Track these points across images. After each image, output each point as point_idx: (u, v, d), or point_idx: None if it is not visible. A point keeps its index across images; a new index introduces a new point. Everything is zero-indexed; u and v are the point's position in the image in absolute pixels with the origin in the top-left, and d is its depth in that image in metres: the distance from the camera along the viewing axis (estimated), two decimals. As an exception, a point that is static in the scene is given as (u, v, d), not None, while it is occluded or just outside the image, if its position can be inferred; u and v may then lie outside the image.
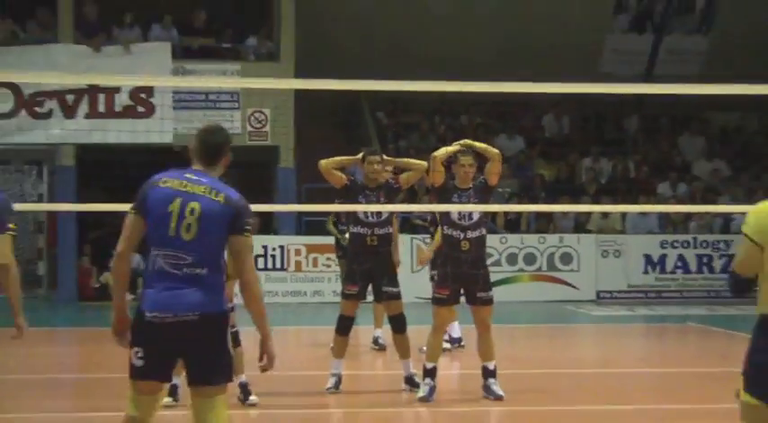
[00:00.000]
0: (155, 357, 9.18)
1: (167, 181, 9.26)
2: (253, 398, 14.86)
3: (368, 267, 16.34)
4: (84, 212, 28.70)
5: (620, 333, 26.40)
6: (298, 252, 29.97)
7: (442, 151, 15.98)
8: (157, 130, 30.92)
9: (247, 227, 9.25)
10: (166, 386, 9.66)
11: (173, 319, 9.06)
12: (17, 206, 22.95)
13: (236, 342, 14.22)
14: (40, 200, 29.71)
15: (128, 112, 31.36)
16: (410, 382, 16.18)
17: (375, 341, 20.91)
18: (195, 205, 9.05)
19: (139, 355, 9.15)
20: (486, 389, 15.91)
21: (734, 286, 8.36)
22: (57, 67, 30.40)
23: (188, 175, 9.22)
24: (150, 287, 9.22)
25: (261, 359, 9.51)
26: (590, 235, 32.57)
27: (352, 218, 16.31)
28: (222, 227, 9.08)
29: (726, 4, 36.30)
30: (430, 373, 15.86)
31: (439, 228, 16.40)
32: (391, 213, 16.77)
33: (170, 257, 9.09)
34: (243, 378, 15.06)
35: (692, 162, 36.41)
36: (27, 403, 15.21)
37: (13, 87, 30.34)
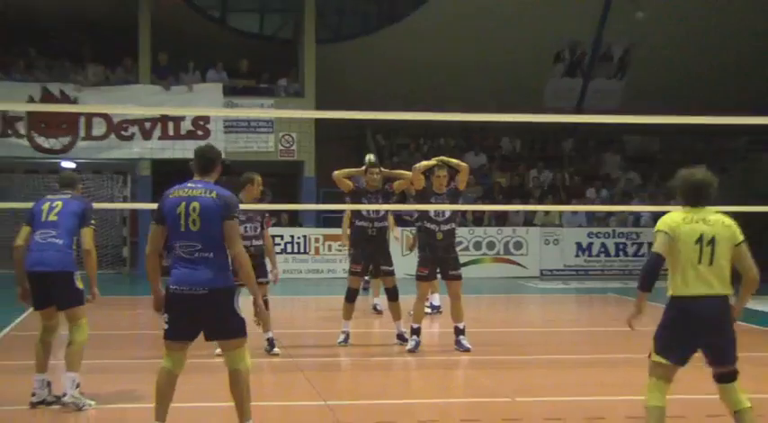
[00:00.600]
0: (178, 322, 9.62)
1: (174, 192, 9.73)
2: (276, 350, 14.98)
3: (369, 251, 16.83)
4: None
5: (558, 301, 26.75)
6: (317, 240, 30.33)
7: (422, 164, 16.46)
8: (212, 149, 31.12)
9: (234, 214, 9.68)
10: (190, 344, 9.82)
11: (188, 292, 9.48)
12: (108, 205, 22.91)
13: (266, 307, 13.95)
14: (124, 200, 29.70)
15: (190, 135, 31.48)
16: (401, 338, 16.68)
17: (374, 307, 21.47)
18: (196, 204, 9.48)
19: (167, 320, 9.64)
20: (458, 343, 16.37)
21: (650, 272, 8.89)
22: (137, 101, 30.56)
23: (189, 184, 9.65)
24: (174, 268, 9.61)
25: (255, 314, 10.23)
26: (536, 228, 32.92)
27: (357, 214, 16.77)
28: (217, 216, 9.48)
29: (635, 57, 36.28)
30: (416, 332, 16.36)
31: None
32: (387, 211, 17.26)
33: (184, 247, 9.55)
34: (270, 334, 15.26)
35: (611, 173, 36.52)
36: (115, 352, 15.41)
37: (106, 117, 30.92)
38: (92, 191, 31.33)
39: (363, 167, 16.88)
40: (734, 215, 18.31)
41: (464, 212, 29.68)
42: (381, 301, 20.43)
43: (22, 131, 30.77)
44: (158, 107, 31.02)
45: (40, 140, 30.92)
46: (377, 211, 16.60)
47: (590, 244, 32.35)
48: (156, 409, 9.64)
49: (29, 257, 11.58)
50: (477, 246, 31.94)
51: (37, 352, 11.62)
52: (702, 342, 8.82)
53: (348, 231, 21.72)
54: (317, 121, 31.44)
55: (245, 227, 15.41)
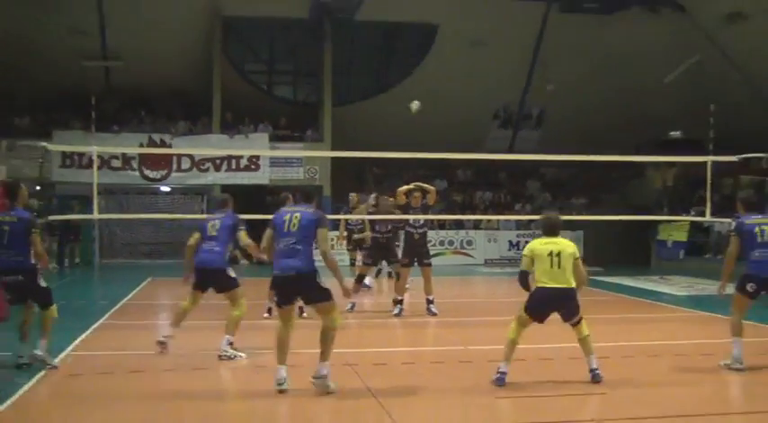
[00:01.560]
0: (282, 295, 10.08)
1: (282, 210, 10.41)
2: (305, 314, 14.05)
3: (381, 254, 17.99)
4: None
5: (496, 282, 26.49)
6: (331, 239, 29.53)
7: (404, 188, 16.89)
8: (262, 178, 31.40)
9: (324, 224, 10.13)
10: (295, 308, 10.42)
11: (283, 275, 9.92)
12: (192, 216, 22.82)
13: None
14: (202, 213, 29.69)
15: (246, 169, 31.66)
16: (396, 302, 16.73)
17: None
18: (297, 215, 10.07)
19: (278, 294, 10.25)
20: (428, 310, 16.67)
21: (522, 280, 10.50)
22: (211, 146, 30.80)
23: (294, 207, 10.47)
24: (277, 259, 10.04)
25: (343, 293, 10.58)
26: (481, 230, 32.76)
27: (406, 223, 16.97)
28: (311, 224, 9.96)
29: (547, 115, 36.49)
30: (399, 302, 16.70)
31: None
32: (394, 226, 17.76)
33: (284, 242, 9.97)
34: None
35: (533, 194, 36.61)
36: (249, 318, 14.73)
37: (191, 156, 31.29)
38: (181, 206, 31.75)
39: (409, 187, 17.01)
40: (616, 222, 18.56)
41: (433, 220, 29.71)
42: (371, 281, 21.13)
43: (135, 166, 31.09)
44: (225, 149, 31.13)
45: (147, 172, 31.25)
46: (420, 221, 16.79)
47: (518, 241, 32.30)
48: (277, 356, 9.91)
49: (198, 257, 12.08)
50: (442, 243, 31.97)
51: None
52: (554, 310, 10.38)
53: (345, 232, 22.40)
54: (333, 158, 31.74)
55: None
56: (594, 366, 10.37)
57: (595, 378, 10.28)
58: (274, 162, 32.00)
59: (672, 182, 34.21)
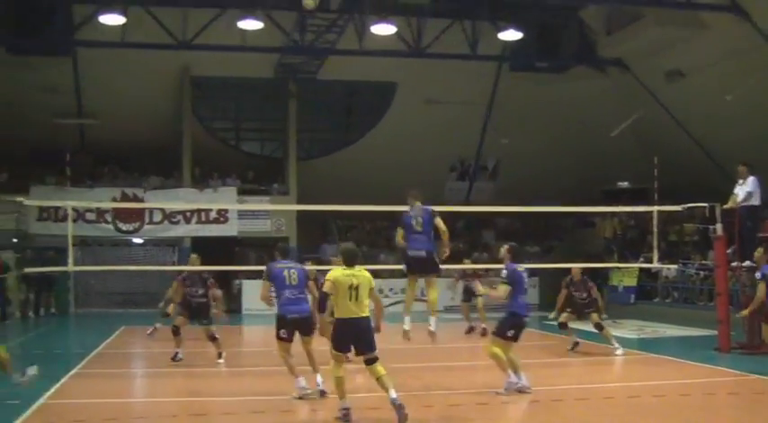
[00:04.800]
0: (292, 332, 12.11)
1: (280, 264, 12.14)
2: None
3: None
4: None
5: (452, 327, 26.03)
6: None
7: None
8: (230, 230, 31.36)
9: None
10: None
11: (299, 317, 12.09)
12: (162, 267, 22.59)
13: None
14: (173, 264, 29.43)
15: (215, 221, 31.70)
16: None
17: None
18: (294, 271, 12.15)
19: (289, 331, 11.97)
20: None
21: (323, 299, 11.27)
22: (181, 199, 30.87)
23: (285, 263, 12.20)
24: (286, 305, 11.96)
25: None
26: (441, 278, 32.37)
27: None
28: (306, 279, 12.47)
29: (502, 167, 36.74)
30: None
31: None
32: None
33: (288, 292, 11.99)
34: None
35: (488, 242, 36.67)
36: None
37: (162, 210, 31.04)
38: (154, 257, 31.57)
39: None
40: (569, 269, 18.69)
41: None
42: None
43: (109, 219, 30.90)
44: (195, 203, 31.21)
45: (120, 225, 31.07)
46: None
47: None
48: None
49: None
50: (403, 290, 31.65)
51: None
52: (354, 340, 10.40)
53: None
54: (298, 210, 31.70)
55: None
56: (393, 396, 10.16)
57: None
58: (242, 214, 31.88)
59: (620, 230, 34.40)
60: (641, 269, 28.86)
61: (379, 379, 10.28)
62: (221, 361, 15.81)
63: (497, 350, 11.92)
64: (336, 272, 10.55)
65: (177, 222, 31.59)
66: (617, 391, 12.81)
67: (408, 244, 13.37)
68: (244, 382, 12.87)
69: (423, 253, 13.29)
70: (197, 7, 27.07)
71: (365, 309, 10.47)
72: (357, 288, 10.38)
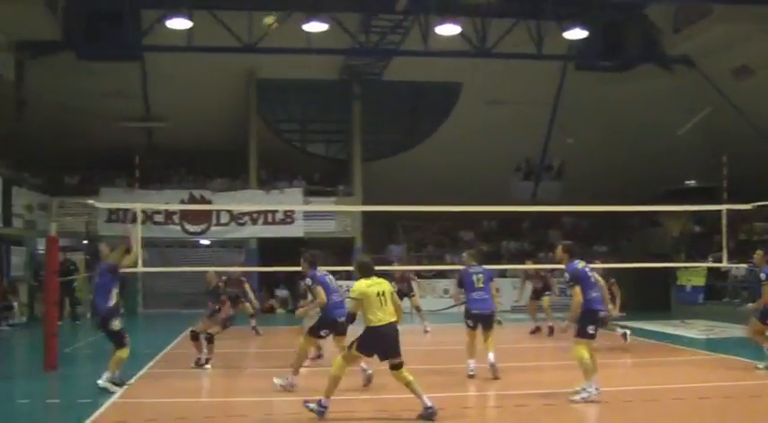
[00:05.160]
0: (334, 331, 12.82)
1: (320, 272, 12.83)
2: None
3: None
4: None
5: (524, 327, 25.82)
6: None
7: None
8: (296, 231, 31.49)
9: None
10: None
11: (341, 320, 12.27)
12: (230, 268, 22.92)
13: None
14: (240, 265, 29.56)
15: (281, 222, 31.89)
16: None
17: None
18: (331, 277, 13.00)
19: (332, 331, 12.80)
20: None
21: (350, 317, 11.07)
22: (248, 201, 31.10)
23: (323, 270, 13.06)
24: (336, 308, 12.65)
25: None
26: (506, 278, 31.89)
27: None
28: None
29: (568, 167, 36.46)
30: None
31: None
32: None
33: (336, 296, 12.97)
34: None
35: (554, 243, 36.24)
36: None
37: (229, 211, 31.43)
38: (220, 258, 31.77)
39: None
40: (635, 269, 18.47)
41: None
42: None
43: (177, 221, 31.29)
44: (261, 204, 31.38)
45: (188, 226, 31.43)
46: None
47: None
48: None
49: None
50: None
51: None
52: (385, 345, 10.59)
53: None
54: (363, 211, 31.81)
55: None
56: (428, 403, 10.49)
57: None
58: (308, 215, 32.02)
59: (688, 229, 33.97)
60: (710, 269, 28.44)
61: (408, 384, 10.54)
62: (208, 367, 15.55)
63: (584, 352, 11.52)
64: (361, 284, 10.79)
65: (244, 223, 31.85)
66: (686, 392, 12.61)
67: (471, 301, 14.23)
68: (309, 381, 12.86)
69: (488, 311, 14.19)
70: (262, 10, 27.25)
71: (393, 314, 10.72)
72: (383, 294, 10.69)
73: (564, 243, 12.56)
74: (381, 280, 10.91)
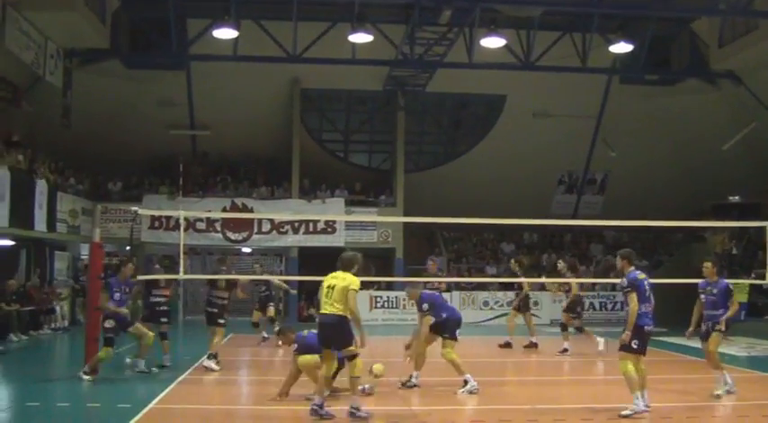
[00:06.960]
0: None
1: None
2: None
3: None
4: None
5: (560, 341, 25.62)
6: (404, 299, 29.25)
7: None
8: (337, 241, 31.37)
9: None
10: None
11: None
12: (272, 277, 22.88)
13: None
14: (281, 273, 29.77)
15: (323, 231, 31.95)
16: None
17: None
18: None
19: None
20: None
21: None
22: (290, 210, 31.19)
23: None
24: None
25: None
26: (546, 292, 31.60)
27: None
28: None
29: (610, 180, 36.20)
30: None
31: None
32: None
33: None
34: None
35: (596, 256, 36.18)
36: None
37: (271, 220, 31.57)
38: (261, 266, 31.89)
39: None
40: (677, 285, 18.27)
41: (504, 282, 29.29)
42: None
43: (218, 229, 31.48)
44: (303, 213, 31.50)
45: (230, 234, 31.57)
46: None
47: (583, 303, 31.72)
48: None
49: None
50: (509, 303, 31.43)
51: None
52: (321, 334, 11.02)
53: None
54: (405, 222, 31.78)
55: None
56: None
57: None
58: (350, 225, 32.13)
59: (731, 245, 33.61)
60: (752, 285, 28.12)
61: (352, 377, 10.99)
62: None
63: (629, 367, 11.34)
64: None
65: (285, 232, 31.96)
66: (725, 409, 12.47)
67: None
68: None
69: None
70: (307, 20, 27.37)
71: (335, 306, 10.88)
72: (332, 288, 10.98)
73: (621, 252, 12.30)
74: (345, 275, 11.07)
